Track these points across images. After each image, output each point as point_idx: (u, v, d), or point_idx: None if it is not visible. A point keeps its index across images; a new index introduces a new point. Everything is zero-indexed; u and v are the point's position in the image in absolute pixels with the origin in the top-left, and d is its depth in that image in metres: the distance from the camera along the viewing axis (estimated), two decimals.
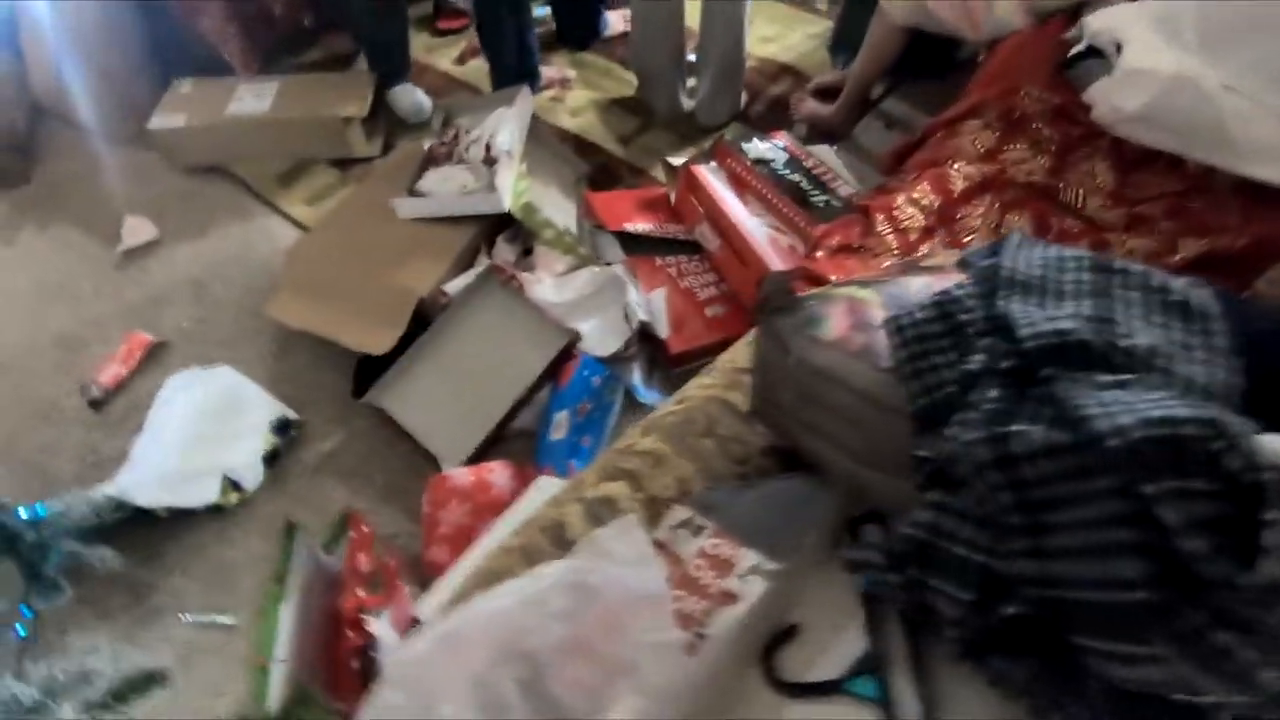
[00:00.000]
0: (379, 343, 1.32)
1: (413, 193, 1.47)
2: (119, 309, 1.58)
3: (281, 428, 1.37)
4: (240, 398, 1.41)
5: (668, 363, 1.46)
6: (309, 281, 1.42)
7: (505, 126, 1.54)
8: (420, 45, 2.23)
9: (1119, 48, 1.24)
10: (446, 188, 1.45)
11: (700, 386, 0.96)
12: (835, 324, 0.74)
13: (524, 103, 1.63)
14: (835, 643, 0.64)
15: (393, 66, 1.94)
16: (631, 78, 2.08)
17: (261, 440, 1.34)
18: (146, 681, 0.88)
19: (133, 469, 1.32)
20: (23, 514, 1.03)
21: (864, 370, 0.69)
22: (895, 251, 1.09)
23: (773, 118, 2.02)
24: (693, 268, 1.57)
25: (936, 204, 1.14)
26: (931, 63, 1.91)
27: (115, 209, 1.76)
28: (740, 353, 1.02)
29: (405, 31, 1.96)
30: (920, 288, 0.75)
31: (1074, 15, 1.45)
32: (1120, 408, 0.48)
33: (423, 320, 1.36)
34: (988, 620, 0.55)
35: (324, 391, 1.45)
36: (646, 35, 1.88)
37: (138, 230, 1.70)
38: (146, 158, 1.88)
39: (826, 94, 2.02)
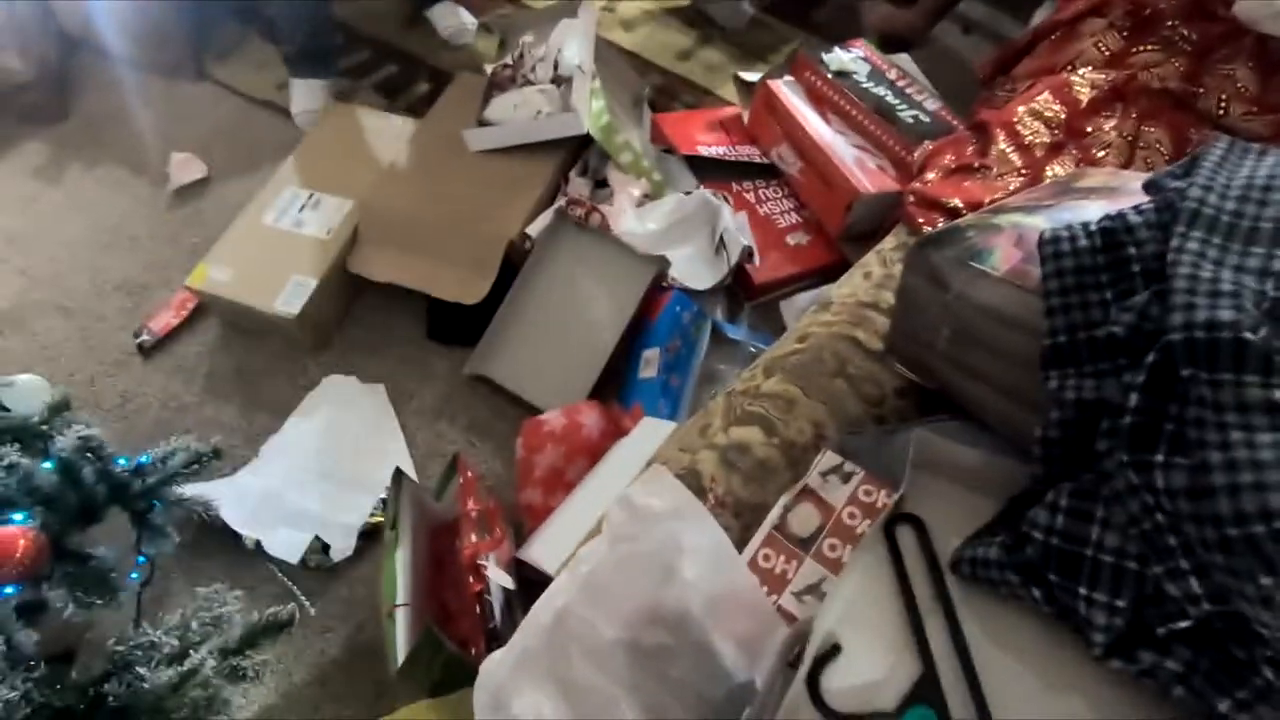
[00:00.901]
0: (472, 292, 1.27)
1: (482, 123, 1.39)
2: (178, 252, 1.53)
3: (398, 483, 1.04)
4: (375, 436, 1.29)
5: (746, 294, 1.41)
6: (388, 232, 1.35)
7: (571, 40, 1.44)
8: None
9: None
10: (519, 114, 1.36)
11: (822, 324, 0.92)
12: (1004, 256, 0.68)
13: (587, 14, 1.51)
14: (883, 664, 0.58)
15: None
16: None
17: (368, 509, 1.22)
18: (276, 626, 0.88)
19: (257, 471, 1.26)
20: (125, 463, 1.02)
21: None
22: (1022, 171, 1.01)
23: (841, 24, 1.87)
24: (770, 193, 1.49)
25: (1063, 116, 1.05)
26: None
27: (160, 145, 1.69)
28: (858, 285, 0.96)
29: None
30: (1097, 214, 0.68)
31: None
32: (1249, 476, 0.43)
33: (510, 261, 1.31)
34: (1147, 626, 0.51)
35: (397, 334, 1.42)
36: None
37: (186, 168, 1.64)
38: (186, 90, 1.79)
39: None
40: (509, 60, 1.46)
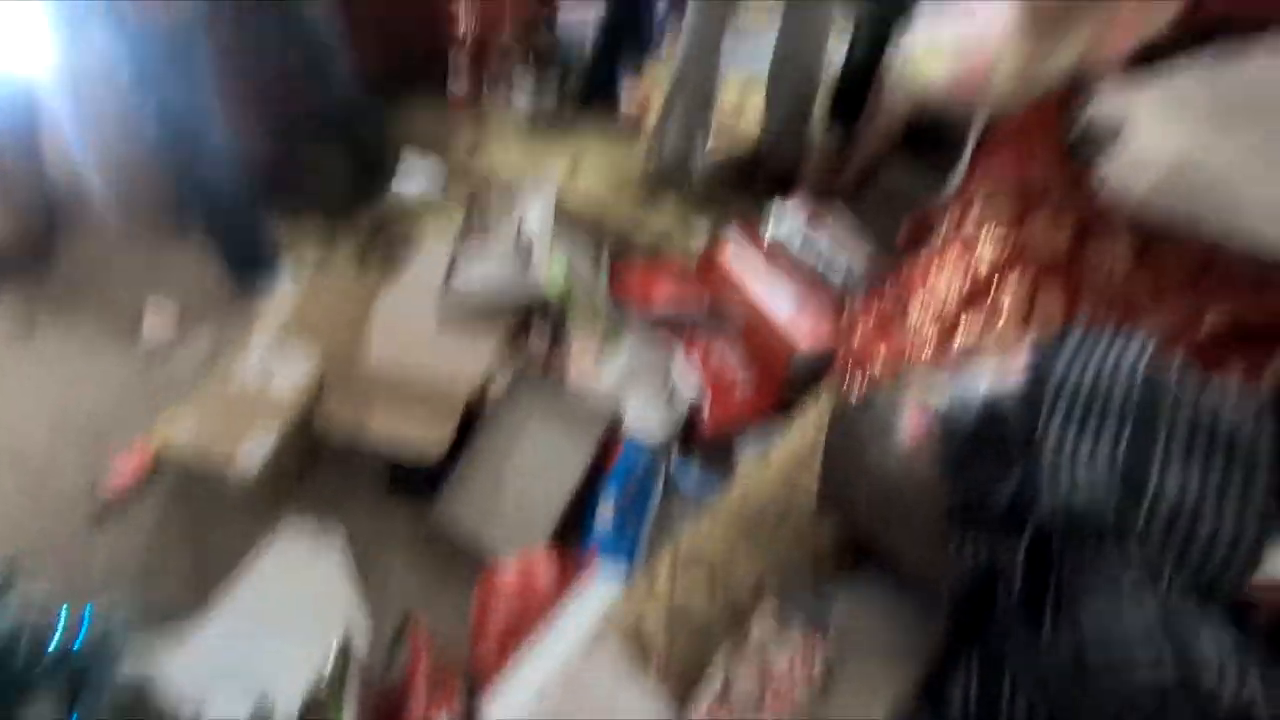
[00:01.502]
0: (432, 449, 1.32)
1: (449, 286, 1.49)
2: (145, 407, 1.56)
3: (343, 653, 1.08)
4: (330, 590, 1.29)
5: (699, 442, 1.47)
6: (354, 388, 1.41)
7: (533, 209, 1.58)
8: (434, 122, 2.30)
9: (1123, 129, 1.31)
10: (483, 278, 1.47)
11: (762, 474, 0.97)
12: (909, 426, 0.75)
13: (548, 185, 1.67)
14: None
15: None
16: (639, 150, 2.15)
17: (316, 667, 1.12)
18: None
19: (204, 629, 1.24)
20: (63, 630, 0.99)
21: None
22: (936, 331, 1.12)
23: (780, 186, 2.08)
24: (719, 343, 1.59)
25: (968, 281, 1.18)
26: (925, 134, 1.99)
27: (138, 300, 1.76)
28: (795, 439, 1.03)
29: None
30: (989, 383, 0.77)
31: (1071, 90, 1.53)
32: (1118, 647, 0.49)
33: (470, 416, 1.36)
34: None
35: (358, 487, 1.44)
36: (686, 76, 1.85)
37: (161, 323, 1.70)
38: (169, 246, 1.89)
39: (827, 165, 2.10)
40: (476, 227, 1.59)
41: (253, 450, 1.35)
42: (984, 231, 1.29)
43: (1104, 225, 1.28)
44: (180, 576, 1.31)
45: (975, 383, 0.77)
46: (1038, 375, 0.68)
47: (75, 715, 0.94)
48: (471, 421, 1.37)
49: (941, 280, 1.20)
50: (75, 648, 0.97)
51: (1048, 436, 0.60)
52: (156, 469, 1.45)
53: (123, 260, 1.86)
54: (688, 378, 1.45)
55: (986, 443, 0.65)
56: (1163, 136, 1.26)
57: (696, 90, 1.84)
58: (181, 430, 1.39)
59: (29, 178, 1.86)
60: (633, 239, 1.93)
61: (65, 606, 1.02)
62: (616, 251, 1.89)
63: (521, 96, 2.37)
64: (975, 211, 1.34)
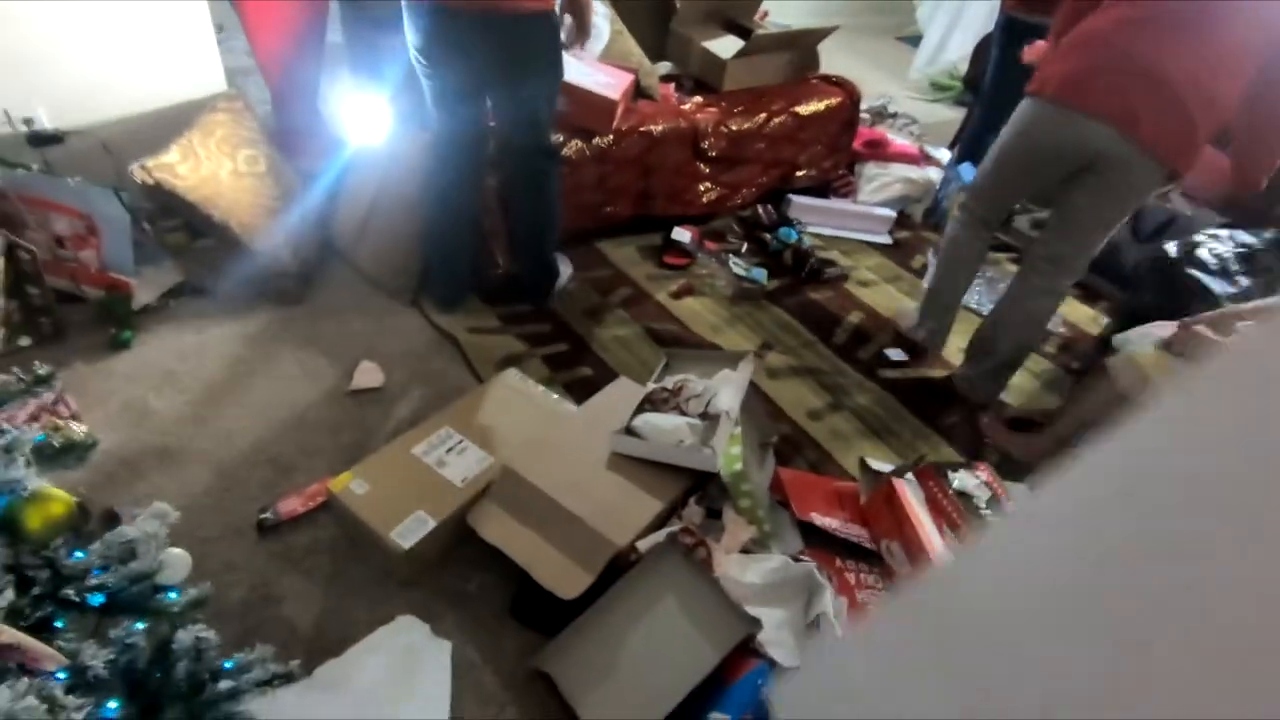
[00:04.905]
0: (570, 587, 1.32)
1: (629, 431, 1.54)
2: (333, 447, 1.71)
3: None
4: (425, 698, 1.29)
5: None
6: (513, 499, 1.47)
7: (727, 388, 1.63)
8: (643, 273, 2.48)
9: None
10: (663, 436, 1.51)
11: None
12: None
13: (746, 369, 1.72)
14: None
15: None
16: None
17: None
18: None
19: (302, 697, 1.21)
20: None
21: None
22: None
23: (967, 433, 2.02)
24: (871, 581, 1.51)
25: None
26: None
27: (357, 350, 1.97)
28: None
29: None
30: None
31: None
32: None
33: (612, 565, 1.36)
34: None
35: (482, 595, 1.46)
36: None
37: (368, 375, 1.88)
38: (397, 312, 2.12)
39: (1017, 423, 2.03)
40: (668, 386, 1.65)
41: (410, 529, 1.42)
42: None
43: None
44: (299, 632, 1.36)
45: None
46: None
47: None
48: (612, 571, 1.37)
49: None
50: (218, 676, 1.02)
51: None
52: (326, 508, 1.56)
53: (357, 313, 2.11)
54: (835, 611, 1.38)
55: None
56: None
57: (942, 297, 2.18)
58: (358, 484, 1.50)
59: (317, 224, 2.19)
60: (808, 433, 1.92)
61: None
62: (787, 439, 1.89)
63: (734, 266, 2.52)
64: None
